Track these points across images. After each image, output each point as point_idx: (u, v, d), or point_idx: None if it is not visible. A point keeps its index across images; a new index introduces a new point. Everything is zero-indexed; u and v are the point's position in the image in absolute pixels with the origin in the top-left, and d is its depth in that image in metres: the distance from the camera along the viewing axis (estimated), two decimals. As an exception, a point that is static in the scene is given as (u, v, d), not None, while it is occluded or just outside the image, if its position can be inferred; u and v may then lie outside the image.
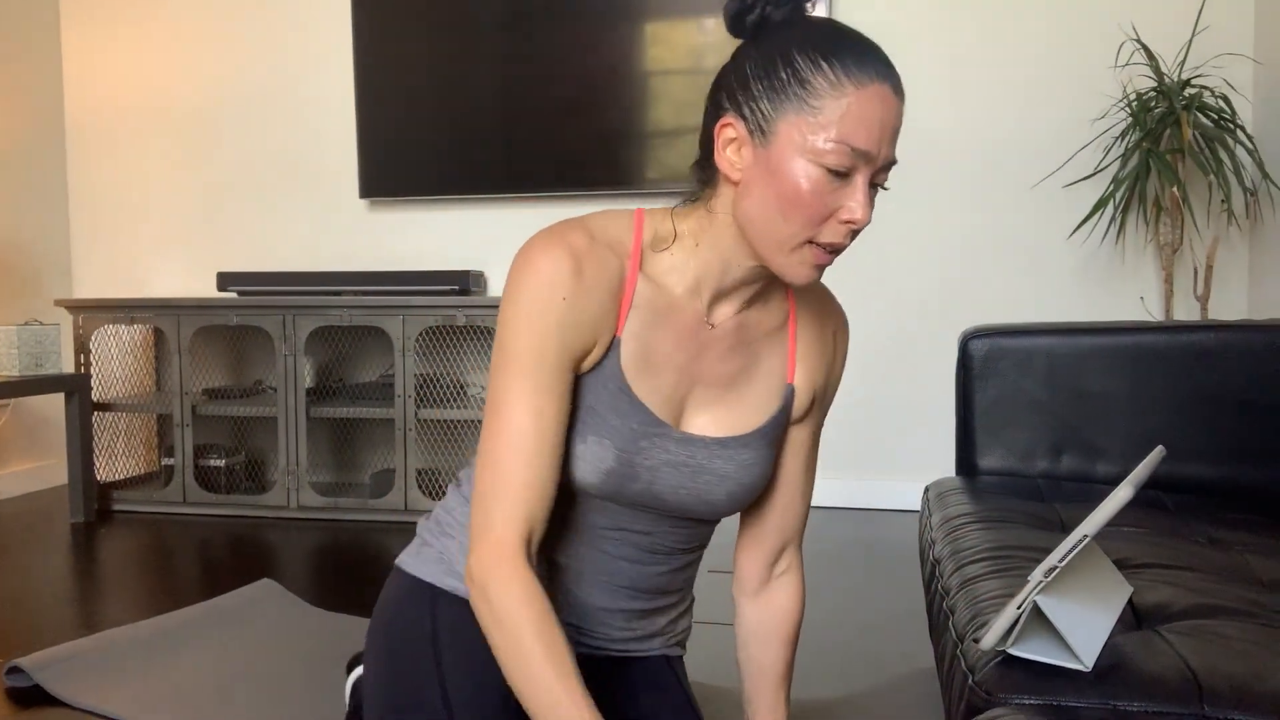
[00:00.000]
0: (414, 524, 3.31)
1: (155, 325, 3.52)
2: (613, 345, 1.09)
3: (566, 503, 1.15)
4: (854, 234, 1.03)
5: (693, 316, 1.12)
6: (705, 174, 1.10)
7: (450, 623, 1.19)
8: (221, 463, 3.60)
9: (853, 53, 0.99)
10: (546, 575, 1.20)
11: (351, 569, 2.82)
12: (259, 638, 2.20)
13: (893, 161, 1.03)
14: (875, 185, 1.03)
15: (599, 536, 1.18)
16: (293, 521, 3.40)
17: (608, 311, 1.07)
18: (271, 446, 3.79)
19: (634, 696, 1.27)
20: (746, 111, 1.02)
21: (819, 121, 0.98)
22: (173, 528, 3.31)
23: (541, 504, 1.05)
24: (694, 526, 1.22)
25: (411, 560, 1.27)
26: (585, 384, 1.10)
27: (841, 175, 1.00)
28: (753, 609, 1.31)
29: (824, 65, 0.98)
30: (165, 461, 3.66)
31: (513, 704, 1.08)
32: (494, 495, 1.04)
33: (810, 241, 1.02)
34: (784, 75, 1.00)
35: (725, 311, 1.14)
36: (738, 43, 1.07)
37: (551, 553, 1.19)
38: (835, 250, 1.03)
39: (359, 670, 1.56)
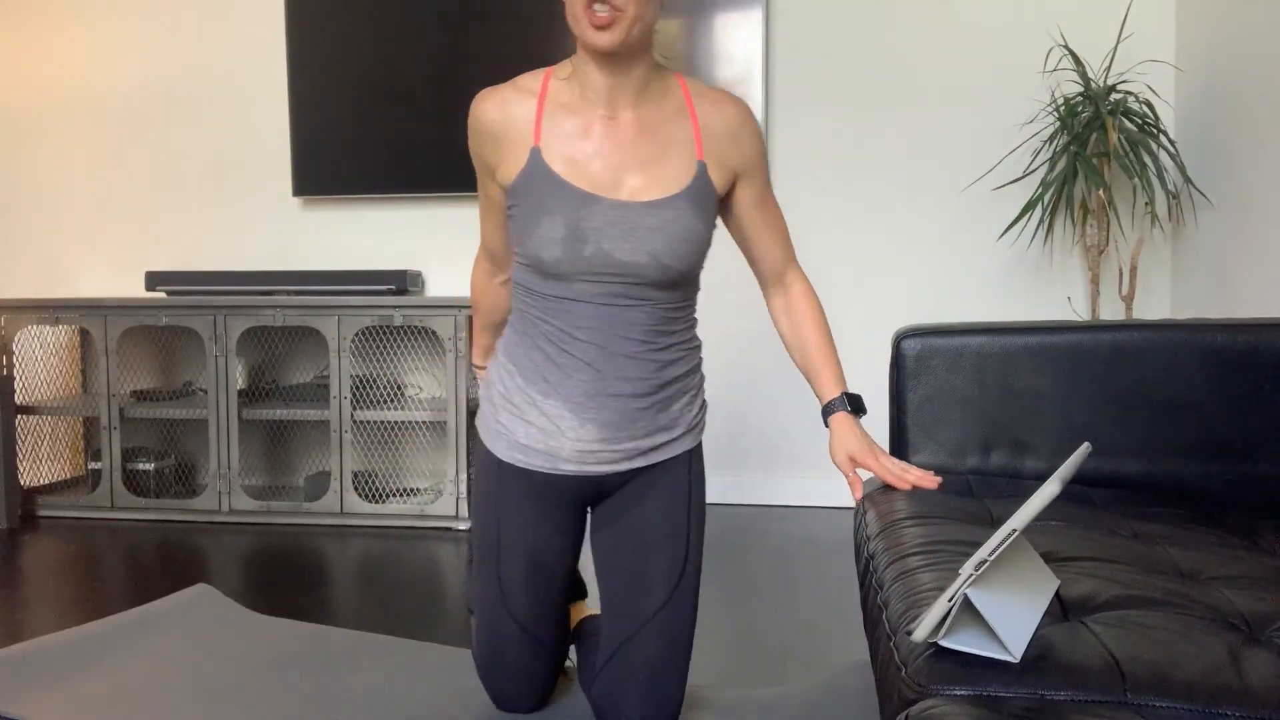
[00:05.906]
0: (350, 527, 3.29)
1: (81, 326, 3.44)
2: (532, 153, 1.47)
3: (560, 316, 1.50)
4: None
5: (598, 118, 1.48)
6: None
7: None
8: (150, 466, 3.52)
9: None
10: (578, 405, 1.52)
11: (287, 573, 2.78)
12: (195, 644, 2.15)
13: None
14: None
15: (585, 330, 1.50)
16: (225, 526, 3.34)
17: (524, 133, 1.48)
18: (202, 449, 3.72)
19: (643, 497, 1.61)
20: None
21: None
22: (100, 533, 3.24)
23: (497, 248, 1.67)
24: (653, 293, 1.50)
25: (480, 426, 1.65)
26: (523, 189, 1.48)
27: None
28: (776, 299, 1.70)
29: None
30: (92, 465, 3.57)
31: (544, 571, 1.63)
32: (482, 237, 1.68)
33: (587, 6, 1.37)
34: None
35: (625, 109, 1.48)
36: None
37: (565, 375, 1.52)
38: (610, 5, 1.36)
39: None
